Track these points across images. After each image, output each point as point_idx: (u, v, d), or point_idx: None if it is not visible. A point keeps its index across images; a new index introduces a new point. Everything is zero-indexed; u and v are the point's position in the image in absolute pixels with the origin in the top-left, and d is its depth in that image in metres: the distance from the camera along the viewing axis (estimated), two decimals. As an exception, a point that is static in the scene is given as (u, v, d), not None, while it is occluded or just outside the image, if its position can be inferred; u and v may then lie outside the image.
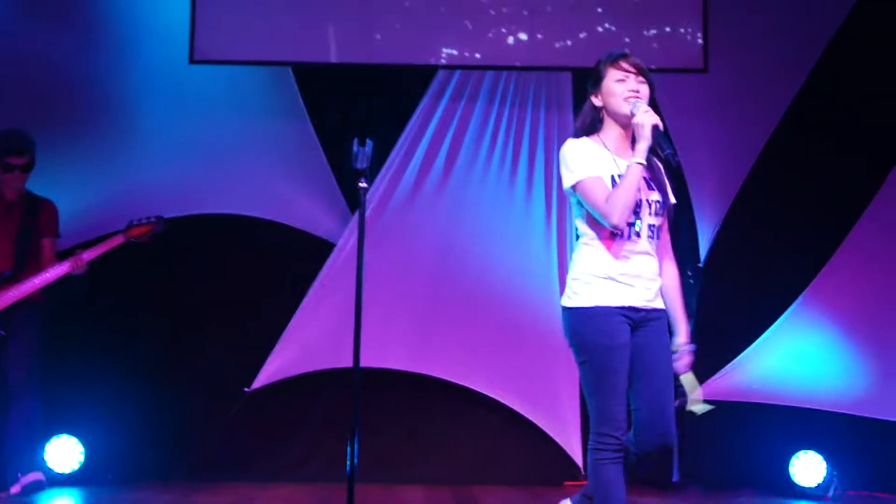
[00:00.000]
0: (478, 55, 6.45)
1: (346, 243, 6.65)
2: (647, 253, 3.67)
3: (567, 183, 3.67)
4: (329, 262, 6.66)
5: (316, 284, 6.65)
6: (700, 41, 6.40)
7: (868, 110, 6.64)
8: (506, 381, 6.74)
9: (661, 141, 3.58)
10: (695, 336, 6.62)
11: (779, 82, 6.67)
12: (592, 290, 3.62)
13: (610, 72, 3.68)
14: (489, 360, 6.72)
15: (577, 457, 6.70)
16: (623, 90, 3.65)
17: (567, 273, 3.79)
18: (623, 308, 3.61)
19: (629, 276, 3.62)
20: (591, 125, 3.73)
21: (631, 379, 3.62)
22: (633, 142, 3.65)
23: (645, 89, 3.68)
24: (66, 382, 6.31)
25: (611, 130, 3.71)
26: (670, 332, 3.77)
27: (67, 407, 6.35)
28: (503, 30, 6.44)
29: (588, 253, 3.67)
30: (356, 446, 4.12)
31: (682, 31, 6.38)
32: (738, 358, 6.67)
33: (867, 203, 6.62)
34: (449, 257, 6.74)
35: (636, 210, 3.61)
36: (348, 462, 4.14)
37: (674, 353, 3.68)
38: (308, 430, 6.67)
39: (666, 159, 3.66)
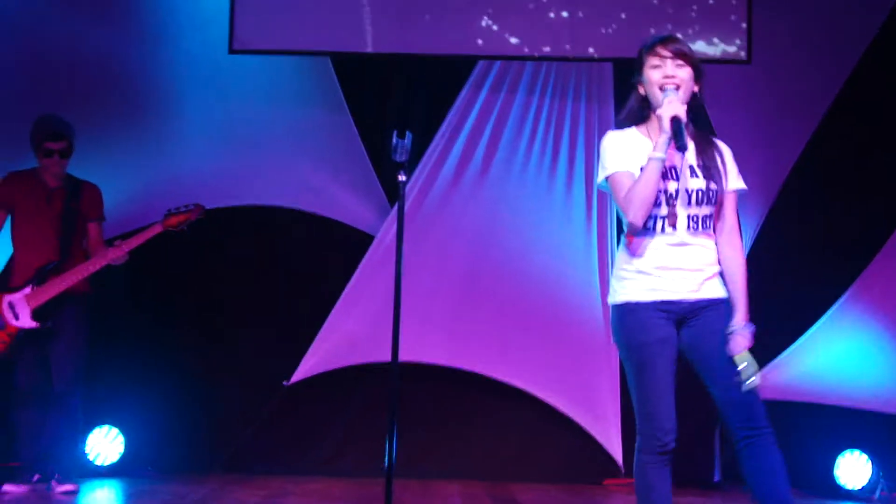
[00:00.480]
0: (518, 44, 6.38)
1: (385, 236, 6.61)
2: (687, 244, 3.48)
3: (599, 178, 3.60)
4: (368, 254, 6.63)
5: (355, 278, 6.62)
6: (744, 31, 6.28)
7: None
8: (544, 376, 6.67)
9: (678, 134, 3.38)
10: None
11: (824, 75, 6.56)
12: (628, 285, 3.52)
13: (648, 59, 3.52)
14: (528, 356, 6.66)
15: (618, 455, 6.62)
16: (658, 77, 3.49)
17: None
18: (659, 303, 3.47)
19: (665, 269, 3.47)
20: (636, 115, 3.59)
21: (702, 374, 3.52)
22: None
23: (684, 73, 3.48)
24: (109, 373, 6.33)
25: (655, 120, 3.52)
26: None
27: (110, 398, 6.37)
28: (544, 19, 6.36)
29: (624, 249, 3.57)
30: (395, 441, 4.06)
31: (726, 20, 6.26)
32: (782, 356, 6.56)
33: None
34: (488, 251, 6.69)
35: (670, 201, 3.46)
36: (386, 457, 4.09)
37: (728, 334, 3.49)
38: (345, 424, 6.65)
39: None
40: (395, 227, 6.50)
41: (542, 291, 6.65)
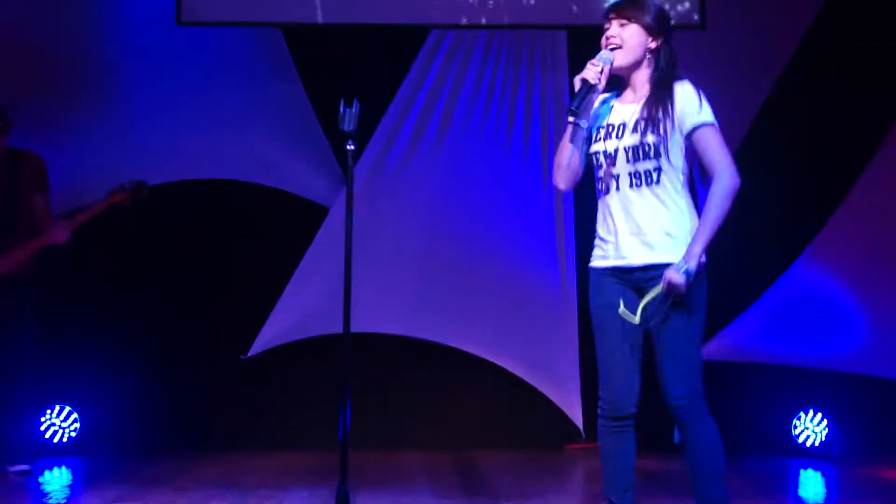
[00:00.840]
0: (471, 13, 6.32)
1: (340, 207, 6.55)
2: (632, 204, 3.35)
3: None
4: (323, 226, 6.58)
5: (310, 250, 6.58)
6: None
7: (867, 68, 6.55)
8: (505, 344, 6.69)
9: (576, 96, 3.35)
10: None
11: (777, 39, 6.57)
12: (594, 252, 3.50)
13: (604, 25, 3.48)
14: (488, 324, 6.67)
15: (578, 420, 6.67)
16: (603, 39, 3.45)
17: None
18: (611, 268, 3.41)
19: (611, 234, 3.40)
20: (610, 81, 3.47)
21: (654, 343, 3.37)
22: (634, 88, 3.46)
23: (627, 31, 3.40)
24: (61, 353, 6.26)
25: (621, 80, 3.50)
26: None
27: (62, 377, 6.31)
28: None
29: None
30: (348, 412, 4.05)
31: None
32: (738, 318, 6.61)
33: (866, 163, 6.55)
34: (446, 219, 6.67)
35: (608, 160, 3.38)
36: (340, 429, 4.07)
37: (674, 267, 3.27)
38: (306, 397, 6.61)
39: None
40: (350, 197, 6.50)
41: (501, 259, 6.65)
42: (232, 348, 6.55)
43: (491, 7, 6.33)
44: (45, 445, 6.20)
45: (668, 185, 3.37)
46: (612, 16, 3.44)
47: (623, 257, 3.37)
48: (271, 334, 6.56)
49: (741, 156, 6.53)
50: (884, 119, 6.54)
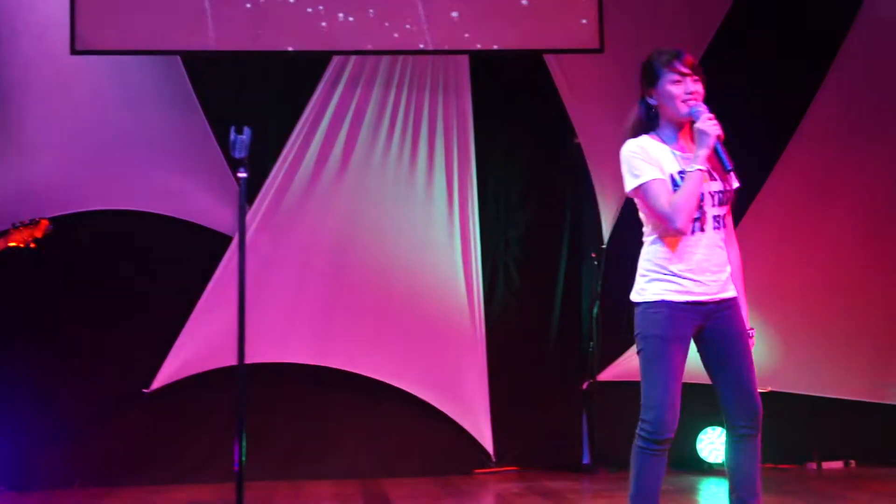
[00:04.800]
0: (372, 40, 6.31)
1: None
2: (714, 245, 3.65)
3: (629, 186, 3.68)
4: (226, 256, 6.49)
5: (213, 280, 6.47)
6: (595, 20, 6.33)
7: (763, 87, 6.72)
8: (413, 370, 6.67)
9: (722, 154, 3.59)
10: (600, 317, 6.73)
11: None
12: (657, 286, 3.63)
13: (664, 73, 3.67)
14: (395, 351, 6.65)
15: (488, 444, 6.67)
16: (681, 92, 3.65)
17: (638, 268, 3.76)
18: (687, 304, 3.61)
19: (695, 271, 3.62)
20: (646, 124, 3.74)
21: (713, 371, 3.68)
22: (692, 139, 3.66)
23: (700, 88, 3.68)
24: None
25: (667, 128, 3.71)
26: None
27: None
28: (398, 13, 6.30)
29: (653, 249, 3.67)
30: (243, 444, 3.98)
31: (576, 10, 6.31)
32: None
33: (762, 182, 6.72)
34: (351, 246, 6.63)
35: (699, 205, 3.62)
36: (237, 461, 4.00)
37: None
38: (210, 429, 6.50)
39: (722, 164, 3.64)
40: (253, 226, 6.43)
41: (407, 285, 6.63)
42: (135, 381, 6.40)
43: (394, 35, 6.32)
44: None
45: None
46: (687, 71, 3.66)
47: (708, 293, 3.62)
48: (174, 367, 6.44)
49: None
50: (779, 139, 6.73)
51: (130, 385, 6.40)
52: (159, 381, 6.42)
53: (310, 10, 6.16)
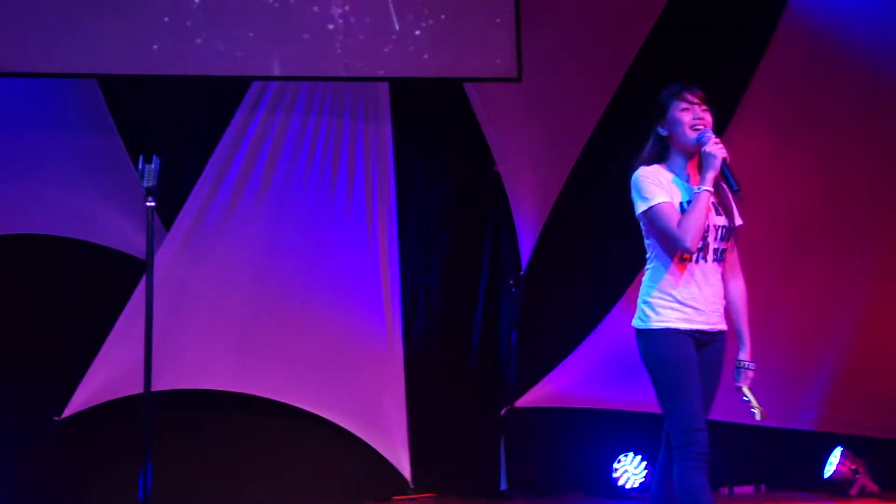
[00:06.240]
0: (292, 65, 6.30)
1: (160, 261, 6.38)
2: (714, 276, 3.83)
3: (639, 209, 3.84)
4: (143, 281, 6.39)
5: (129, 305, 6.37)
6: (513, 50, 6.40)
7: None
8: (330, 397, 6.64)
9: (729, 175, 3.77)
10: (519, 344, 6.79)
11: (593, 88, 6.78)
12: (663, 313, 3.78)
13: (674, 102, 3.88)
14: (313, 377, 6.61)
15: (406, 470, 6.67)
16: (689, 119, 3.84)
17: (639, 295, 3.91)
18: (691, 331, 3.77)
19: (697, 300, 3.78)
20: (657, 155, 3.92)
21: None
22: (700, 169, 3.81)
23: (709, 118, 3.86)
24: None
25: (678, 158, 3.89)
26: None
27: None
28: (320, 39, 6.31)
29: (657, 277, 3.82)
30: (149, 472, 3.95)
31: (494, 40, 6.38)
32: (560, 366, 6.76)
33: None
34: (270, 272, 6.60)
35: (703, 235, 3.77)
36: (140, 490, 3.97)
37: (738, 367, 3.90)
38: (122, 458, 6.37)
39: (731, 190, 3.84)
40: (171, 251, 6.36)
41: (325, 311, 6.61)
42: (48, 409, 6.28)
43: (312, 59, 6.32)
44: None
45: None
46: (696, 100, 3.87)
47: (708, 323, 3.81)
48: (88, 394, 6.31)
49: (560, 205, 6.82)
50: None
51: (43, 413, 6.27)
52: (72, 408, 6.30)
53: (229, 35, 6.14)
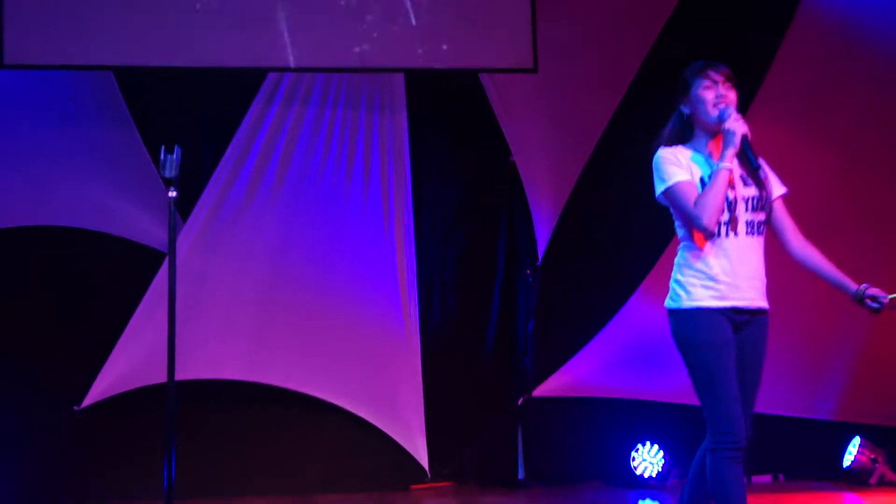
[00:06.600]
0: (308, 57, 6.31)
1: (177, 252, 6.41)
2: (749, 250, 3.70)
3: (658, 190, 3.76)
4: (160, 272, 6.43)
5: (147, 296, 6.40)
6: (529, 41, 6.39)
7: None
8: (348, 387, 6.66)
9: (749, 151, 3.69)
10: (535, 334, 6.79)
11: (609, 79, 6.77)
12: (694, 292, 3.67)
13: (697, 80, 3.78)
14: (330, 367, 6.63)
15: (423, 460, 6.68)
16: (712, 97, 3.74)
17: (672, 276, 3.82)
18: (725, 309, 3.66)
19: (730, 275, 3.66)
20: (680, 133, 3.84)
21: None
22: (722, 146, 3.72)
23: (732, 96, 3.76)
24: None
25: (701, 137, 3.79)
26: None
27: None
28: (334, 31, 6.31)
29: (687, 255, 3.73)
30: (173, 461, 3.97)
31: (510, 31, 6.38)
32: (577, 355, 6.76)
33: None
34: (286, 264, 6.61)
35: (731, 208, 3.67)
36: (165, 479, 3.99)
37: (860, 295, 3.76)
38: (143, 447, 6.41)
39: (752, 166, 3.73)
40: (187, 243, 6.39)
41: (342, 300, 6.63)
42: (66, 400, 6.31)
43: (328, 51, 6.33)
44: None
45: (764, 234, 3.79)
46: (719, 77, 3.77)
47: (745, 299, 3.68)
48: (107, 383, 6.35)
49: (576, 195, 6.81)
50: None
51: (63, 403, 6.31)
52: (91, 398, 6.34)
53: (244, 26, 6.16)
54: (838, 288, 3.80)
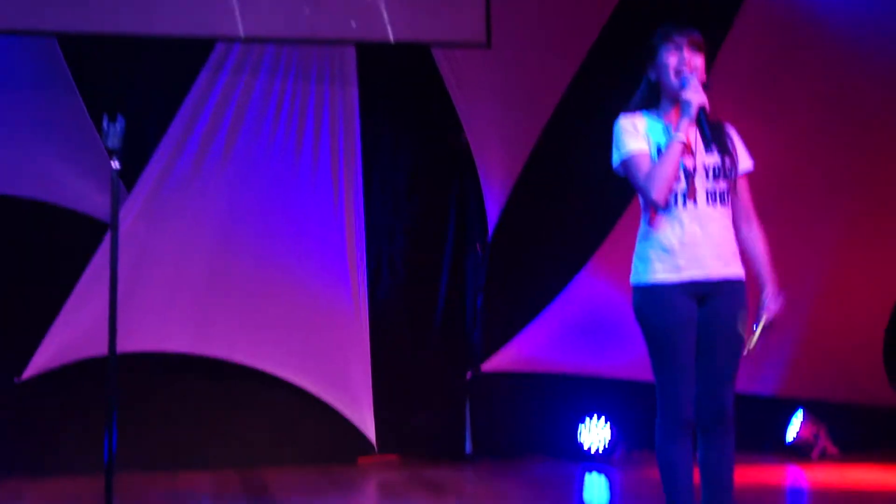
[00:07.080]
0: (257, 25, 6.21)
1: (122, 223, 6.31)
2: (709, 220, 3.56)
3: (615, 161, 3.64)
4: (104, 242, 6.33)
5: (90, 267, 6.30)
6: (482, 16, 6.34)
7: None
8: (294, 360, 6.63)
9: (704, 124, 3.52)
10: (484, 309, 6.80)
11: (562, 55, 6.74)
12: (651, 266, 3.56)
13: (663, 45, 3.62)
14: (276, 340, 6.60)
15: (371, 433, 6.67)
16: (674, 62, 3.59)
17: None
18: (684, 283, 3.54)
19: (689, 244, 3.54)
20: (647, 100, 3.68)
21: (697, 352, 3.57)
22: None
23: (698, 61, 3.60)
24: None
25: (667, 105, 3.64)
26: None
27: None
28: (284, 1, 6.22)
29: (645, 228, 3.61)
30: (114, 434, 3.92)
31: (463, 4, 6.32)
32: (524, 330, 6.78)
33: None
34: (233, 235, 6.54)
35: (688, 177, 3.54)
36: (105, 451, 3.93)
37: (762, 302, 3.61)
38: (85, 419, 6.33)
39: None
40: (132, 214, 6.30)
41: (290, 274, 6.58)
42: (6, 371, 6.21)
43: (278, 21, 6.23)
44: None
45: (729, 204, 3.64)
46: (683, 41, 3.60)
47: (704, 269, 3.55)
48: (49, 355, 6.26)
49: (528, 171, 6.79)
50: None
51: (1, 374, 6.21)
52: (32, 369, 6.25)
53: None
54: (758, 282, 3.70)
